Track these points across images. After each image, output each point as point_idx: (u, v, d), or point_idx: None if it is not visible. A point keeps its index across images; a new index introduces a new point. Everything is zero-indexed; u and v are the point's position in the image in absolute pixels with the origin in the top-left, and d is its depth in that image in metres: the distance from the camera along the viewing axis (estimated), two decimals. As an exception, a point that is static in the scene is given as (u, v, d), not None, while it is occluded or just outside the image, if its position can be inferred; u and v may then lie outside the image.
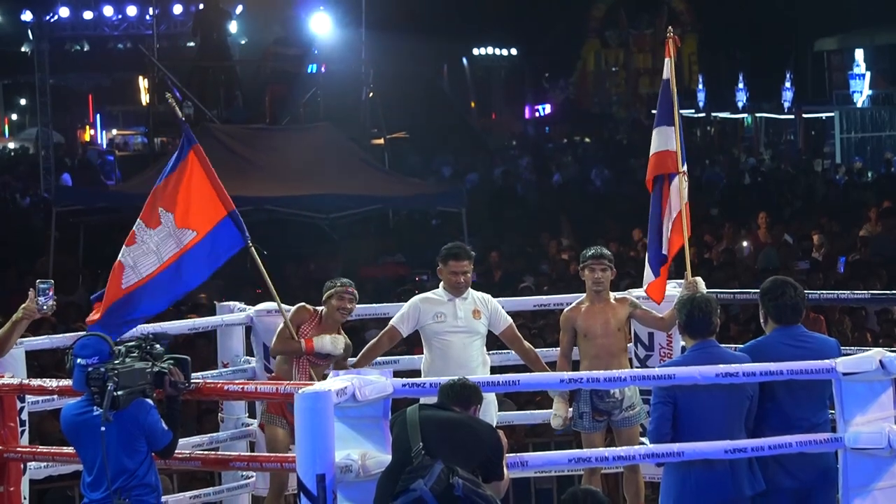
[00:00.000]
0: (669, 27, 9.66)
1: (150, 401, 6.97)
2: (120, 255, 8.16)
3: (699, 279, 9.07)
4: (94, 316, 8.09)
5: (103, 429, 6.76)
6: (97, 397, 6.80)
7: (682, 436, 7.07)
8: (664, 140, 9.27)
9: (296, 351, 8.73)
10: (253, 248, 8.48)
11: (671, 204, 9.16)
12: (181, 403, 7.17)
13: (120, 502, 6.82)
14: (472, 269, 9.09)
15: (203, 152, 8.49)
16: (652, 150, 9.33)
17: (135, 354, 6.97)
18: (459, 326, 8.91)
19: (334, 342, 8.77)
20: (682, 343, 9.68)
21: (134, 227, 8.22)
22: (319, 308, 8.94)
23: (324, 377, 8.44)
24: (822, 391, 7.28)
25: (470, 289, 9.06)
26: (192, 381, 7.23)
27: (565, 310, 9.25)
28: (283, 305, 8.90)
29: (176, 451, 7.23)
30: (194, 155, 8.45)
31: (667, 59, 9.38)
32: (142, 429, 6.91)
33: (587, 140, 44.98)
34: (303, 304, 8.98)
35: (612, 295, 9.17)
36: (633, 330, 9.59)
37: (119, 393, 6.76)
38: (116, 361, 6.88)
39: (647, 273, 9.33)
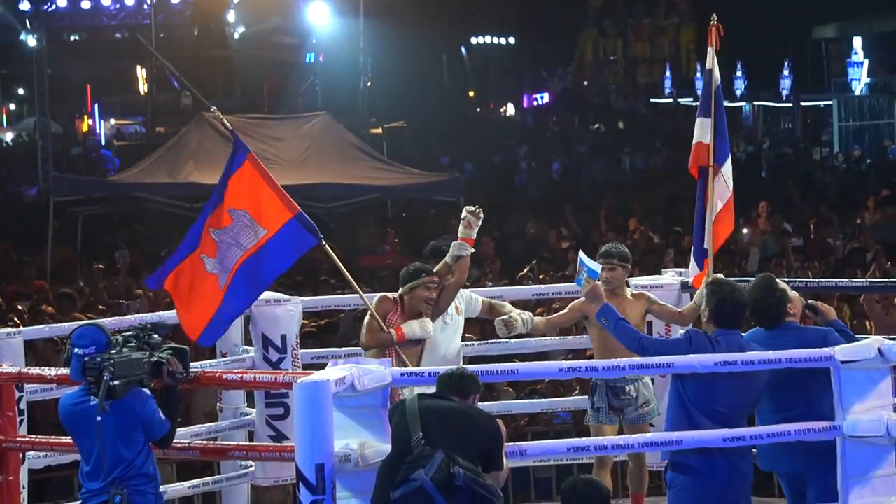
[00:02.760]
0: (714, 14, 9.49)
1: (147, 391, 6.96)
2: (206, 267, 8.15)
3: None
4: (196, 333, 8.10)
5: (99, 419, 6.76)
6: (94, 387, 6.80)
7: (697, 424, 7.07)
8: (702, 132, 9.17)
9: (387, 342, 8.69)
10: (327, 245, 8.47)
11: (713, 197, 9.04)
12: (180, 394, 7.17)
13: (117, 492, 6.82)
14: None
15: (257, 159, 8.49)
16: (694, 140, 9.22)
17: (132, 344, 6.97)
18: (448, 324, 8.93)
19: (423, 326, 8.74)
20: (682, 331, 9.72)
21: (212, 236, 8.23)
22: (394, 295, 8.89)
23: (418, 361, 8.57)
24: (826, 379, 7.29)
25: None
26: (192, 370, 7.22)
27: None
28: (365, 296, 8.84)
29: (175, 441, 7.23)
30: (250, 163, 8.46)
31: (710, 49, 9.25)
32: (139, 419, 6.90)
33: (600, 127, 44.91)
34: (384, 293, 8.89)
35: (629, 291, 9.13)
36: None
37: (115, 383, 6.75)
38: (113, 351, 6.87)
39: (692, 266, 9.26)
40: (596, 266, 8.17)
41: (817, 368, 7.17)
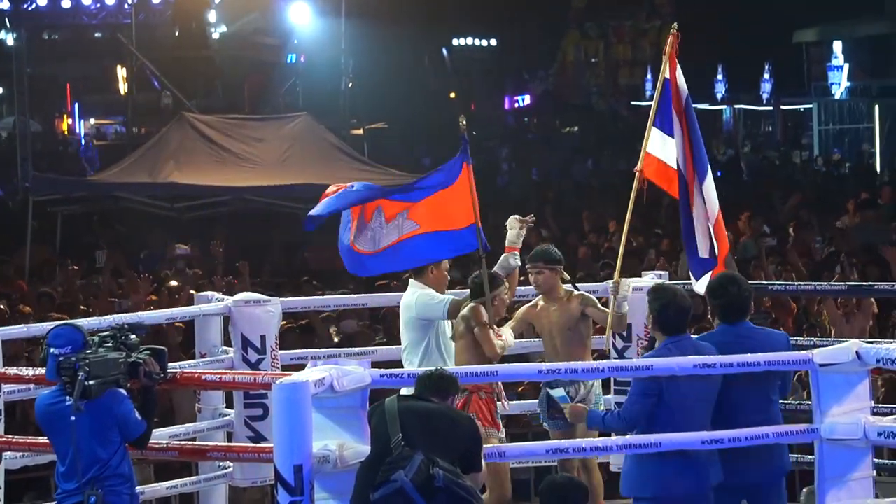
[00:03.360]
0: (675, 23, 9.28)
1: (123, 391, 6.95)
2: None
3: (625, 280, 8.99)
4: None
5: (73, 418, 6.74)
6: (69, 387, 6.78)
7: (662, 427, 7.07)
8: (665, 150, 9.02)
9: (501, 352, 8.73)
10: (483, 259, 8.73)
11: (702, 209, 8.91)
12: (156, 394, 7.15)
13: (92, 493, 6.80)
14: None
15: (470, 169, 8.96)
16: (653, 152, 9.06)
17: (109, 344, 6.95)
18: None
19: (508, 332, 8.88)
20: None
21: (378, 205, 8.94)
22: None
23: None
24: (767, 387, 7.29)
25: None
26: (169, 371, 7.21)
27: (526, 305, 9.27)
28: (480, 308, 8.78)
29: (152, 442, 7.21)
30: (466, 171, 8.93)
31: (664, 57, 9.03)
32: (115, 419, 6.89)
33: (571, 130, 44.98)
34: (474, 304, 8.79)
35: (566, 293, 9.07)
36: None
37: (91, 383, 6.74)
38: (89, 351, 6.86)
39: (692, 280, 9.05)
40: (560, 392, 8.27)
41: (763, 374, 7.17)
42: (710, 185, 8.95)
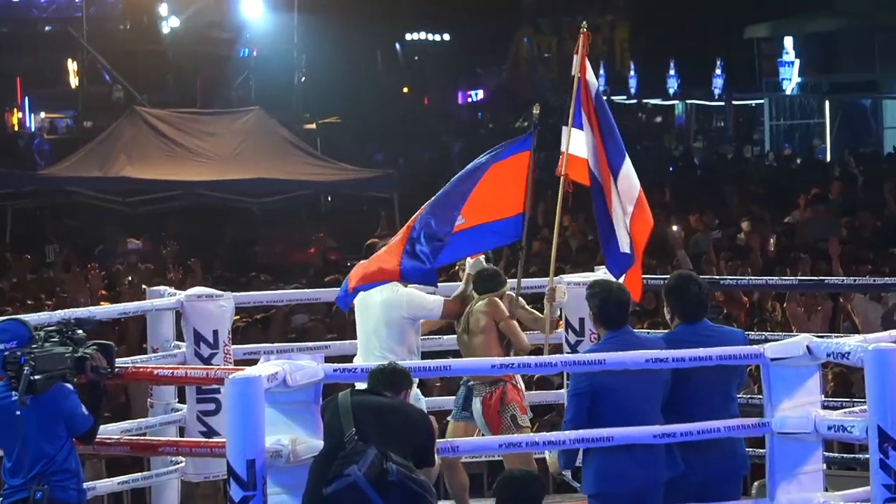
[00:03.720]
0: (584, 22, 9.33)
1: (70, 386, 6.91)
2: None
3: (560, 287, 9.04)
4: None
5: (19, 413, 6.70)
6: (14, 382, 6.75)
7: (604, 422, 7.08)
8: (576, 145, 9.07)
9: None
10: (522, 251, 8.98)
11: (617, 204, 8.94)
12: (104, 389, 7.11)
13: (38, 488, 6.76)
14: None
15: (534, 157, 9.03)
16: (568, 150, 9.09)
17: (55, 339, 6.91)
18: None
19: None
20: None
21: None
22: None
23: None
24: (726, 386, 7.32)
25: None
26: (122, 366, 7.18)
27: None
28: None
29: (104, 437, 7.17)
30: (529, 156, 9.01)
31: (575, 56, 9.10)
32: (61, 413, 6.85)
33: (523, 125, 45.00)
34: (489, 299, 8.86)
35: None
36: (563, 316, 9.61)
37: (36, 377, 6.71)
38: (34, 346, 6.82)
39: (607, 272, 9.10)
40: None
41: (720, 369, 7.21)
42: (626, 175, 8.96)
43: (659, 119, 47.48)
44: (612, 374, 7.03)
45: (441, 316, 8.92)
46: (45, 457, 6.82)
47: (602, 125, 9.05)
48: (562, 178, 9.10)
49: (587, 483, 7.19)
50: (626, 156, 9.04)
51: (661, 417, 7.16)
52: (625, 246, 8.85)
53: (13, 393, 6.78)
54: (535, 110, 9.32)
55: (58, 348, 6.87)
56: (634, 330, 7.57)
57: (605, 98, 9.19)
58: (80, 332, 7.02)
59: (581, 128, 9.07)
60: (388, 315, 8.79)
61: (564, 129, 9.12)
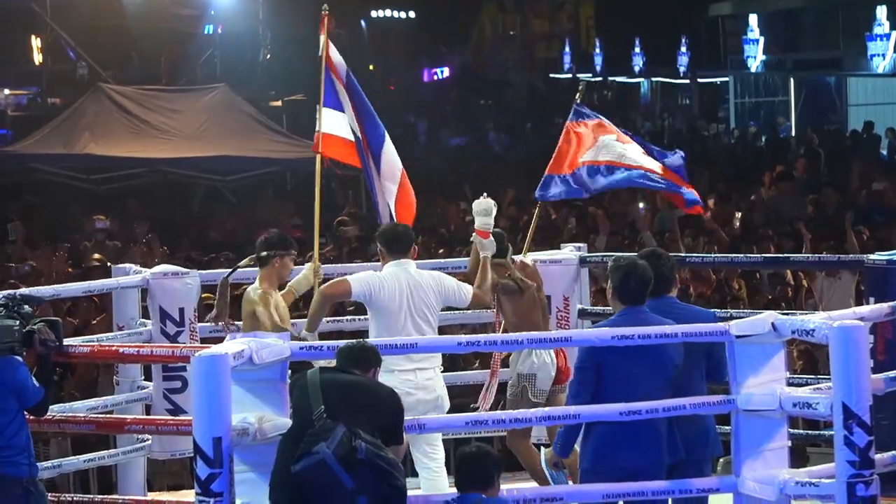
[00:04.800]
0: (325, 4, 9.21)
1: (19, 358, 6.90)
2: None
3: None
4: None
5: None
6: None
7: (606, 399, 7.10)
8: (334, 124, 9.13)
9: None
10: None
11: (381, 184, 9.07)
12: (52, 362, 7.08)
13: None
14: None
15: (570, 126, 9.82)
16: (323, 129, 9.14)
17: (2, 314, 6.89)
18: None
19: None
20: (580, 306, 9.80)
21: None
22: None
23: None
24: (691, 365, 7.36)
25: None
26: (88, 343, 7.16)
27: None
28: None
29: (71, 415, 7.15)
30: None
31: (322, 36, 9.10)
32: (10, 386, 6.83)
33: (488, 103, 45.08)
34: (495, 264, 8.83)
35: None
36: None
37: None
38: None
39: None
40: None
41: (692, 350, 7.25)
42: (387, 155, 9.15)
43: (624, 97, 47.55)
44: (615, 351, 7.04)
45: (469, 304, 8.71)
46: None
47: (358, 106, 9.15)
48: (317, 156, 9.23)
49: (583, 458, 7.22)
50: (387, 135, 9.21)
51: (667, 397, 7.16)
52: (386, 217, 9.05)
53: None
54: (581, 86, 10.14)
55: (5, 321, 6.84)
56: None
57: (356, 79, 9.25)
58: (26, 307, 7.00)
59: (336, 108, 9.13)
60: (436, 301, 8.45)
61: (318, 108, 9.16)
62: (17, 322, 6.89)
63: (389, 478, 6.38)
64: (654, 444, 7.14)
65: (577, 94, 9.85)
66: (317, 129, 9.19)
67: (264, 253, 8.25)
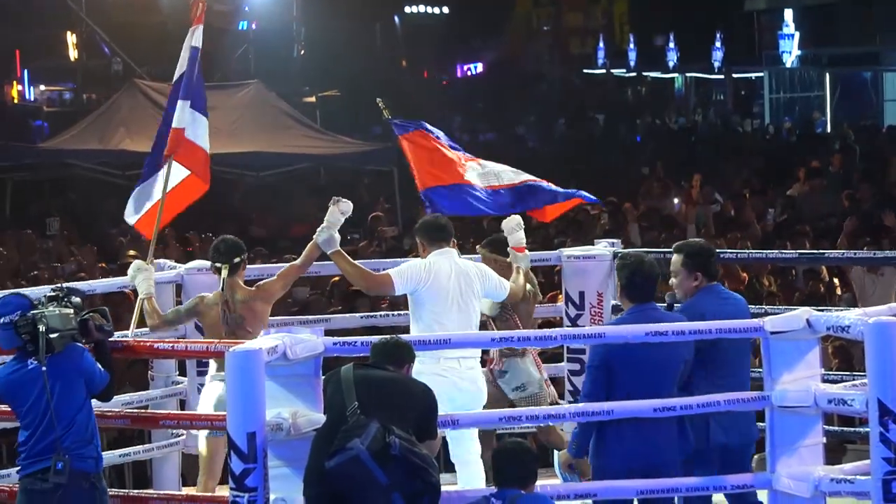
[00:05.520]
0: None
1: (80, 344, 6.95)
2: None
3: None
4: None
5: (45, 369, 6.73)
6: (30, 346, 6.77)
7: (618, 397, 7.09)
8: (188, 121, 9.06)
9: None
10: None
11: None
12: (109, 348, 7.13)
13: (59, 458, 6.77)
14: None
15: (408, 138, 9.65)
16: (175, 125, 9.06)
17: (55, 304, 6.93)
18: None
19: None
20: (614, 302, 9.78)
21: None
22: None
23: None
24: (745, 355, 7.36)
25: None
26: (125, 339, 7.21)
27: None
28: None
29: (106, 409, 7.19)
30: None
31: (195, 26, 8.99)
32: (80, 373, 6.88)
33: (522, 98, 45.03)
34: None
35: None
36: (564, 289, 9.63)
37: (52, 336, 6.74)
38: (40, 310, 6.85)
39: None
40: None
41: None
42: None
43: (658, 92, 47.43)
44: (627, 348, 7.03)
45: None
46: (65, 419, 6.83)
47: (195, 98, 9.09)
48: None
49: (595, 454, 7.21)
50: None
51: (675, 394, 7.15)
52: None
53: (29, 362, 6.81)
54: (381, 104, 9.99)
55: (62, 310, 6.89)
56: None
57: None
58: (75, 298, 7.05)
59: (200, 111, 9.11)
60: (482, 292, 8.44)
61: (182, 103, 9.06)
62: (72, 311, 6.94)
63: (423, 473, 6.38)
64: (664, 439, 7.12)
65: (384, 111, 9.82)
66: (175, 125, 9.00)
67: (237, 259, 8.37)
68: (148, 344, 7.86)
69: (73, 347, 6.90)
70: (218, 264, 8.35)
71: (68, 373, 6.85)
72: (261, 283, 8.50)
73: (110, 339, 7.19)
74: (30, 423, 6.89)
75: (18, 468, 7.00)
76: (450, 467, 9.39)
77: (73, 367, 6.87)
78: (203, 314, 8.42)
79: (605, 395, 7.10)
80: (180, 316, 8.62)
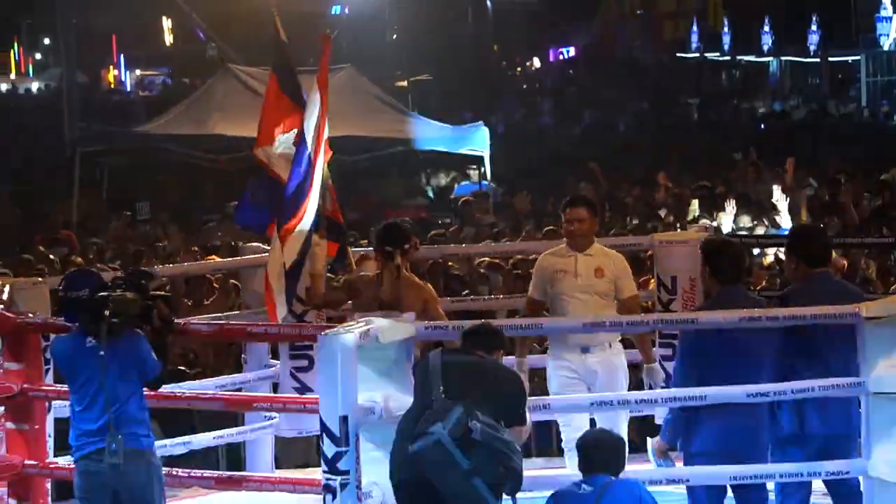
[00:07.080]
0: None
1: (139, 332, 7.02)
2: None
3: None
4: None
5: (102, 353, 6.82)
6: (92, 326, 6.86)
7: (710, 382, 7.05)
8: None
9: None
10: None
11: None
12: (168, 337, 7.21)
13: (112, 439, 6.86)
14: (591, 219, 8.58)
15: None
16: None
17: (123, 287, 7.01)
18: (578, 285, 8.48)
19: None
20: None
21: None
22: None
23: None
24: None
25: (601, 245, 8.69)
26: (216, 322, 7.26)
27: None
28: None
29: (201, 391, 7.25)
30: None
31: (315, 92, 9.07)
32: (136, 358, 6.96)
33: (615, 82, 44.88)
34: None
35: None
36: (656, 273, 9.57)
37: (115, 319, 6.82)
38: (107, 292, 6.93)
39: None
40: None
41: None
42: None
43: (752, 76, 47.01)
44: (717, 333, 6.98)
45: None
46: (118, 401, 6.92)
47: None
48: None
49: (686, 441, 7.17)
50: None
51: (767, 377, 7.09)
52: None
53: (88, 338, 6.91)
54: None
55: (130, 295, 6.97)
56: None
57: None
58: (144, 282, 7.12)
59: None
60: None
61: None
62: (139, 296, 7.01)
63: (505, 459, 6.34)
64: (753, 423, 7.07)
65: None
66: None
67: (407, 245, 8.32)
68: (241, 327, 7.91)
69: (133, 333, 6.98)
70: (389, 248, 8.27)
71: (125, 358, 6.93)
72: (423, 287, 8.34)
73: (177, 324, 7.26)
74: (81, 397, 6.99)
75: (71, 448, 7.09)
76: (540, 453, 9.39)
77: (130, 353, 6.95)
78: (360, 292, 8.37)
79: (697, 381, 7.06)
80: (340, 295, 8.60)
